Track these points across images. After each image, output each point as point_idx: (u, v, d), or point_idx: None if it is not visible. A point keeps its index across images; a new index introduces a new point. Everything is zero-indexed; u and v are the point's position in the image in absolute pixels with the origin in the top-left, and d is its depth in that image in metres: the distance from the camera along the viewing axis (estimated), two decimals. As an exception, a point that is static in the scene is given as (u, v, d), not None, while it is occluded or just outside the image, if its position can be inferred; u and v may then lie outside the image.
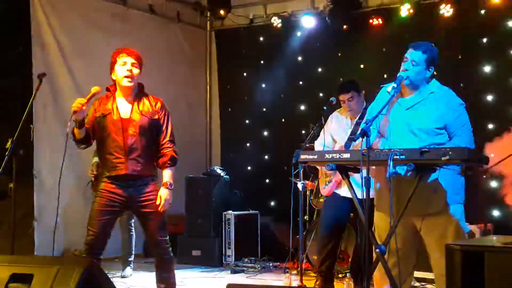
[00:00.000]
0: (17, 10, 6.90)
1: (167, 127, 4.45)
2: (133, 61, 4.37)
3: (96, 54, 7.56)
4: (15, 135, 4.20)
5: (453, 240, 3.74)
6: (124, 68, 4.33)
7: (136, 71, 4.37)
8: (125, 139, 4.27)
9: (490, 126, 6.82)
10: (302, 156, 4.16)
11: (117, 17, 7.97)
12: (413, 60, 4.01)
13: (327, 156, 4.02)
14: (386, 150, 3.76)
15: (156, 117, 4.39)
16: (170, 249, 4.55)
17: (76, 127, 4.16)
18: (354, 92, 5.55)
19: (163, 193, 4.32)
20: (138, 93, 4.43)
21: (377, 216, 4.12)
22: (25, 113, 4.33)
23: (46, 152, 6.99)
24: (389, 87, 3.98)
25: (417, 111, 3.98)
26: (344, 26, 7.86)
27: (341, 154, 3.97)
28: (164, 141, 4.42)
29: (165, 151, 4.42)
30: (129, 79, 4.32)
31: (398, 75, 4.04)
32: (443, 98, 3.98)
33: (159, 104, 4.46)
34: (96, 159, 6.06)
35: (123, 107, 4.34)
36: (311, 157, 4.16)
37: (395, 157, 3.67)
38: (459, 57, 7.24)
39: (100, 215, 4.27)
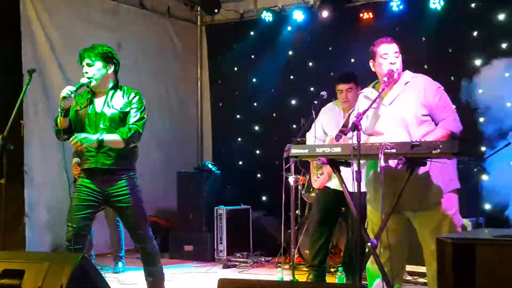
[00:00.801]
0: (6, 6, 6.85)
1: (136, 113, 4.43)
2: (89, 61, 4.39)
3: (87, 50, 7.53)
4: (5, 131, 4.19)
5: (448, 233, 3.76)
6: (84, 70, 4.42)
7: (92, 70, 4.38)
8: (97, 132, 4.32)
9: (481, 119, 6.84)
10: (293, 151, 4.16)
11: (108, 12, 7.95)
12: (395, 52, 4.03)
13: (318, 150, 4.03)
14: (377, 144, 3.77)
15: (128, 109, 4.41)
16: (154, 242, 4.60)
17: (62, 115, 4.24)
18: (353, 83, 5.56)
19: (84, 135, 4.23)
20: (112, 87, 4.48)
21: (370, 210, 4.13)
22: (15, 109, 4.31)
23: (37, 148, 6.97)
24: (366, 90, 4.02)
25: (399, 103, 4.00)
26: (334, 20, 7.86)
27: (332, 148, 3.98)
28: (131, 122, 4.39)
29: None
30: (89, 77, 4.37)
31: (388, 69, 4.05)
32: (420, 85, 4.02)
33: (132, 96, 4.49)
34: (76, 159, 6.05)
35: (98, 101, 4.43)
36: (302, 151, 4.16)
37: (385, 150, 3.69)
38: (450, 51, 7.26)
39: (78, 210, 4.33)
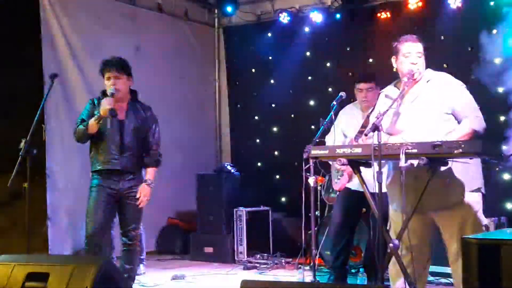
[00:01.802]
0: (27, 11, 6.93)
1: (154, 132, 4.99)
2: (116, 74, 4.79)
3: (106, 54, 7.50)
4: (28, 136, 4.24)
5: (472, 233, 3.73)
6: (108, 83, 4.79)
7: (119, 82, 4.78)
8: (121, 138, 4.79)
9: (502, 118, 6.78)
10: (313, 152, 4.16)
11: (126, 16, 8.00)
12: (418, 52, 4.01)
13: (338, 151, 4.02)
14: (398, 144, 3.75)
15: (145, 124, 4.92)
16: (138, 243, 5.00)
17: (97, 122, 4.63)
18: (374, 83, 5.55)
19: (143, 189, 4.83)
20: (131, 99, 4.95)
21: (392, 211, 4.12)
22: (38, 113, 4.37)
23: (59, 152, 7.03)
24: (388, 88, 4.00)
25: (421, 102, 3.99)
26: (352, 21, 7.85)
27: (353, 149, 3.97)
28: (152, 143, 4.96)
29: (151, 152, 4.96)
30: (112, 91, 4.71)
31: (409, 69, 4.03)
32: (442, 83, 4.00)
33: (148, 111, 5.00)
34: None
35: (120, 110, 4.79)
36: (322, 152, 4.15)
37: (406, 151, 3.67)
38: (469, 49, 7.21)
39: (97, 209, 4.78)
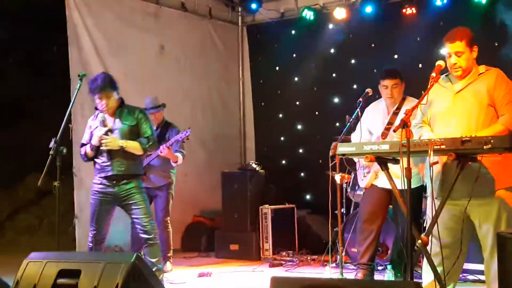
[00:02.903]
0: (53, 11, 7.02)
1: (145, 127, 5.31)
2: (102, 95, 5.17)
3: (131, 52, 7.67)
4: (58, 135, 4.29)
5: (506, 228, 3.71)
6: (99, 102, 5.20)
7: (108, 100, 5.17)
8: None
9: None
10: (340, 149, 4.16)
11: (150, 15, 8.04)
12: (456, 52, 4.00)
13: (365, 148, 4.02)
14: (426, 140, 3.74)
15: (135, 123, 5.23)
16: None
17: (93, 150, 5.16)
18: (399, 79, 5.53)
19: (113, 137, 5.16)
20: (119, 106, 5.28)
21: (428, 207, 4.10)
22: (67, 112, 4.41)
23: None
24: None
25: (467, 93, 4.02)
26: (377, 17, 7.81)
27: (380, 146, 3.96)
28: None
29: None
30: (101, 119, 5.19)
31: (437, 64, 4.03)
32: (492, 78, 4.02)
33: (136, 113, 5.30)
34: None
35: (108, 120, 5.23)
36: (349, 149, 4.15)
37: (435, 147, 3.66)
38: (496, 44, 7.13)
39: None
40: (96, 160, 5.22)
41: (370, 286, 1.75)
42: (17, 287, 3.47)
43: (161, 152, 6.18)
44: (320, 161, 8.09)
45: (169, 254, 6.72)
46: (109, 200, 5.18)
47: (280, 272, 6.57)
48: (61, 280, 3.38)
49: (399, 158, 3.97)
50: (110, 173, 5.14)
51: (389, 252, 6.27)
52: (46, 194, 10.30)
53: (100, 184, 5.19)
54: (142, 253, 5.23)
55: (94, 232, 5.16)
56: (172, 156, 6.38)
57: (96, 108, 5.30)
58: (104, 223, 5.20)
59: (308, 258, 7.12)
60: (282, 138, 9.04)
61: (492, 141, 3.50)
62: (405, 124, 3.61)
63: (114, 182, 5.15)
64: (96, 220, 5.17)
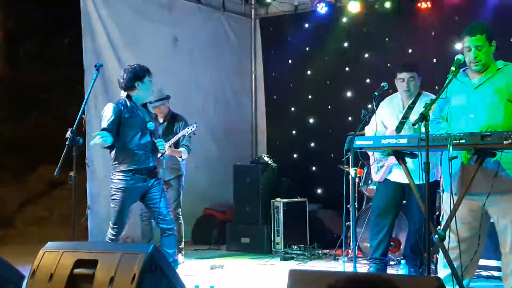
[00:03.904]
0: (67, 2, 7.01)
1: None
2: None
3: (144, 44, 7.66)
4: (74, 125, 4.29)
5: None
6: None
7: None
8: None
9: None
10: (358, 142, 4.15)
11: (164, 7, 8.04)
12: (476, 46, 3.96)
13: (383, 141, 4.00)
14: (445, 135, 3.72)
15: None
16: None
17: None
18: (416, 73, 5.50)
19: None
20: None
21: (446, 201, 4.08)
22: (84, 103, 4.41)
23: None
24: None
25: (486, 88, 3.98)
26: (391, 11, 7.77)
27: (398, 139, 3.94)
28: None
29: None
30: None
31: (456, 58, 3.98)
32: (510, 72, 3.98)
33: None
34: None
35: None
36: (367, 142, 4.14)
37: (454, 141, 3.63)
38: (510, 40, 7.07)
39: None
40: (132, 150, 5.03)
41: (392, 280, 1.74)
42: (34, 277, 3.46)
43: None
44: (332, 155, 8.09)
45: (180, 246, 6.71)
46: (136, 196, 5.10)
47: (292, 265, 6.55)
48: (77, 270, 3.37)
49: (416, 153, 3.98)
50: (152, 164, 5.08)
51: (401, 247, 6.25)
52: (57, 185, 10.33)
53: (131, 179, 5.00)
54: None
55: (117, 229, 5.00)
56: (176, 152, 6.33)
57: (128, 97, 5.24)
58: (127, 220, 5.12)
59: (320, 252, 7.10)
60: (293, 132, 9.02)
61: (512, 136, 3.47)
62: (424, 118, 3.58)
63: (145, 175, 5.04)
64: (124, 218, 5.04)
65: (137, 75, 5.10)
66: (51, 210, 10.53)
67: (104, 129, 4.92)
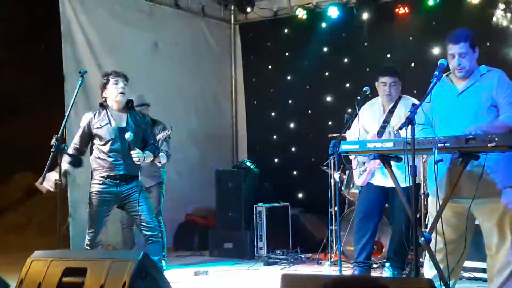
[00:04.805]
0: (46, 8, 6.95)
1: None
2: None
3: (124, 50, 7.63)
4: (59, 132, 4.26)
5: (510, 227, 3.74)
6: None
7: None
8: None
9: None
10: (343, 146, 4.17)
11: (144, 12, 8.01)
12: (460, 53, 4.01)
13: (369, 145, 4.03)
14: (431, 138, 3.76)
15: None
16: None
17: None
18: (397, 77, 5.55)
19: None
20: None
21: (431, 204, 4.13)
22: (69, 110, 4.38)
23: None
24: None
25: (470, 93, 4.04)
26: (370, 16, 7.84)
27: (384, 143, 3.98)
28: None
29: None
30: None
31: (439, 62, 4.03)
32: (494, 77, 4.04)
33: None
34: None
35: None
36: (352, 147, 4.17)
37: (439, 145, 3.68)
38: (488, 44, 7.18)
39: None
40: (102, 158, 5.08)
41: (386, 282, 1.76)
42: (21, 286, 3.42)
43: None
44: (313, 159, 8.12)
45: (163, 253, 6.69)
46: (110, 201, 5.09)
47: (275, 270, 6.55)
48: (66, 279, 3.33)
49: (401, 156, 4.02)
50: (122, 172, 5.06)
51: (384, 250, 6.30)
52: (35, 192, 10.19)
53: (102, 184, 5.06)
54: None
55: (93, 234, 5.03)
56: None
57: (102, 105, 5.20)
58: (103, 225, 5.08)
59: (303, 256, 7.12)
60: (274, 137, 9.04)
61: (496, 139, 3.52)
62: (410, 122, 3.62)
63: (118, 181, 5.06)
64: (96, 222, 5.03)
65: (101, 83, 5.22)
66: (30, 218, 10.40)
67: (73, 150, 5.07)
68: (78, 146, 5.10)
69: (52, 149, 4.22)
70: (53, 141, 4.25)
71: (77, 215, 6.95)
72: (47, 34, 7.06)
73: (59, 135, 4.29)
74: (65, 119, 4.37)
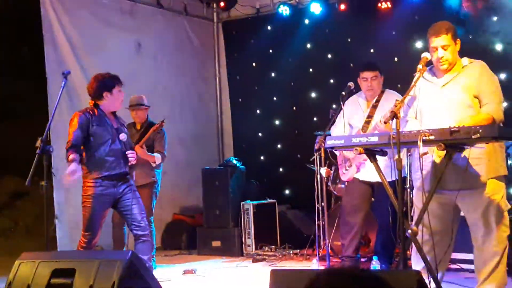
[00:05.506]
0: (27, 10, 6.90)
1: None
2: None
3: (107, 50, 7.59)
4: (44, 134, 4.24)
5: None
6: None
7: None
8: None
9: (504, 104, 6.81)
10: (329, 142, 4.19)
11: (126, 12, 7.97)
12: (442, 45, 4.04)
13: (354, 140, 4.04)
14: (415, 132, 3.79)
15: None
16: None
17: None
18: (378, 72, 5.59)
19: None
20: None
21: (417, 197, 4.16)
22: (53, 112, 4.36)
23: (63, 150, 6.97)
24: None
25: (453, 86, 4.07)
26: (352, 11, 7.87)
27: (369, 138, 4.00)
28: None
29: None
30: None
31: (422, 56, 4.06)
32: (476, 68, 4.08)
33: None
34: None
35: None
36: (338, 142, 4.18)
37: (424, 138, 3.70)
38: (470, 37, 7.23)
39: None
40: (100, 158, 5.00)
41: (374, 274, 1.77)
42: (10, 289, 3.41)
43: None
44: (299, 155, 8.14)
45: (153, 253, 6.68)
46: (108, 202, 5.04)
47: (264, 267, 6.57)
48: (55, 280, 3.33)
49: (386, 150, 4.05)
50: (119, 171, 5.03)
51: (371, 244, 6.34)
52: (21, 196, 10.14)
53: (99, 186, 4.97)
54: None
55: (90, 237, 4.91)
56: (148, 156, 6.28)
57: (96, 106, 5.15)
58: (101, 226, 5.02)
59: (291, 252, 7.14)
60: (260, 134, 9.05)
61: (480, 130, 3.55)
62: (395, 116, 3.65)
63: (115, 182, 5.01)
64: (95, 225, 4.94)
65: (106, 84, 5.08)
66: (16, 221, 10.33)
67: (70, 147, 4.91)
68: (78, 143, 4.98)
69: (38, 151, 4.20)
70: (38, 143, 4.22)
71: (63, 217, 6.92)
72: (30, 37, 6.99)
73: (44, 136, 4.26)
74: (49, 121, 4.34)
